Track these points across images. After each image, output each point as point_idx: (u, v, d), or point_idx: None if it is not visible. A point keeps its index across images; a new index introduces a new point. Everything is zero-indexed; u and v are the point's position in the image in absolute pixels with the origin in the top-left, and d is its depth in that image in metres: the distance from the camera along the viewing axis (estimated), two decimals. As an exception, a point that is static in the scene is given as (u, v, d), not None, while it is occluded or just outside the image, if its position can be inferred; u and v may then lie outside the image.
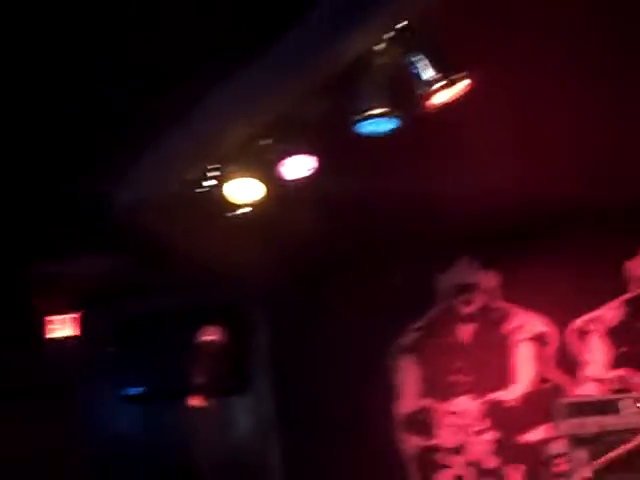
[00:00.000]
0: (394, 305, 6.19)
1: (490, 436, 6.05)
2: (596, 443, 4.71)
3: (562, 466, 5.28)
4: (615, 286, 5.90)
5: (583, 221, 5.61)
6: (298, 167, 4.06)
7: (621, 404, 4.80)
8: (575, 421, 4.80)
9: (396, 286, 6.12)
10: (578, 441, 4.76)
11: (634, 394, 5.10)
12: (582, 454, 4.72)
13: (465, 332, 6.22)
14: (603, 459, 4.57)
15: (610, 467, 4.61)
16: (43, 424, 6.18)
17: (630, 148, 4.84)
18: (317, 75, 3.61)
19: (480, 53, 3.40)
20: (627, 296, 5.90)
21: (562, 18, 3.34)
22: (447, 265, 6.28)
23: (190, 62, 3.65)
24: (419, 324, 6.32)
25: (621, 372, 5.84)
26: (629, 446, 4.49)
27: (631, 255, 5.89)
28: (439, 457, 6.17)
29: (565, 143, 4.73)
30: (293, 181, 4.09)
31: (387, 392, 6.32)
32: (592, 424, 4.75)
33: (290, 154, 4.01)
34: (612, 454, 4.54)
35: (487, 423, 6.07)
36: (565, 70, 3.80)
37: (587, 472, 4.65)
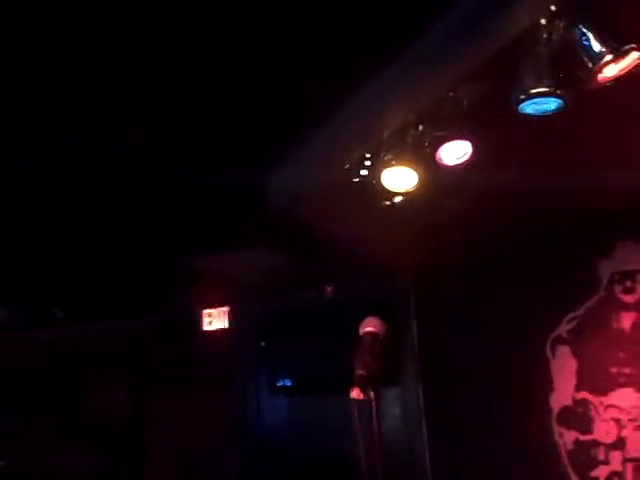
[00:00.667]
0: (552, 294, 6.00)
1: (651, 431, 5.80)
2: None
3: None
4: None
5: None
6: (454, 154, 3.98)
7: None
8: None
9: (554, 274, 5.92)
10: None
11: None
12: None
13: (626, 321, 5.97)
14: None
15: None
16: (202, 414, 6.31)
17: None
18: (477, 55, 3.52)
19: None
20: None
21: None
22: (608, 251, 6.04)
23: (348, 49, 3.62)
24: (577, 313, 6.10)
25: None
26: None
27: None
28: (596, 452, 5.95)
29: None
30: (450, 168, 4.01)
31: (542, 385, 6.13)
32: None
33: (447, 140, 3.93)
34: None
35: (647, 417, 5.82)
36: None
37: None
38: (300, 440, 6.52)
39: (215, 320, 6.57)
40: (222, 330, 6.61)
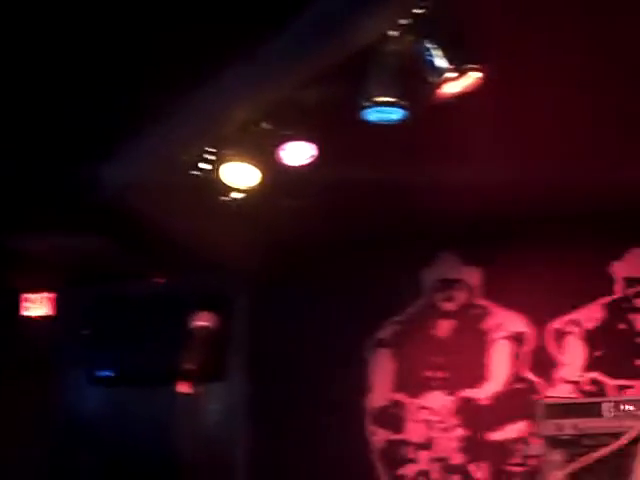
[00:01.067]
0: (376, 298, 6.15)
1: (458, 433, 6.04)
2: (572, 446, 4.71)
3: (535, 466, 5.27)
4: (597, 288, 5.93)
5: (569, 221, 5.61)
6: (297, 154, 4.01)
7: (602, 407, 4.80)
8: (553, 422, 4.78)
9: (379, 279, 6.07)
10: (555, 442, 4.75)
11: (615, 397, 5.11)
12: (557, 456, 4.72)
13: (444, 328, 6.21)
14: (578, 462, 4.57)
15: (584, 470, 4.61)
16: (12, 401, 6.06)
17: (624, 152, 4.86)
18: (325, 60, 3.56)
19: (493, 46, 3.37)
20: (608, 299, 5.93)
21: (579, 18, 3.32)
22: (431, 260, 6.25)
23: (192, 43, 3.57)
24: (398, 318, 6.28)
25: (595, 375, 5.87)
26: (606, 450, 4.49)
27: (617, 257, 5.92)
28: (406, 451, 6.15)
29: (557, 144, 4.73)
30: (291, 168, 4.03)
31: (360, 385, 6.27)
32: (570, 426, 4.74)
33: (290, 140, 3.95)
34: (587, 458, 4.55)
35: (457, 420, 6.06)
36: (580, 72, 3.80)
37: (560, 474, 4.64)
38: (119, 432, 6.37)
39: (35, 305, 6.33)
40: (43, 316, 6.38)
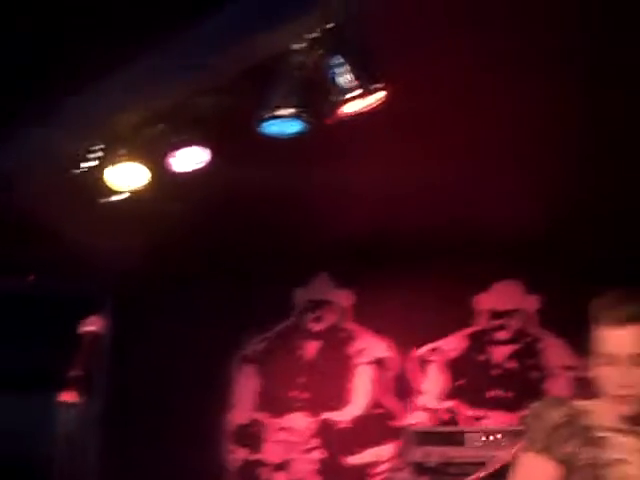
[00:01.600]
0: (246, 314, 6.12)
1: (316, 455, 6.06)
2: (439, 473, 4.81)
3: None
4: (461, 318, 6.11)
5: (440, 251, 5.74)
6: (189, 159, 3.95)
7: (468, 436, 4.92)
8: (421, 449, 4.88)
9: (250, 295, 6.04)
10: (422, 469, 4.84)
11: (482, 427, 5.25)
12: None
13: (310, 349, 6.23)
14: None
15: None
16: None
17: (496, 186, 5.02)
18: (228, 67, 3.54)
19: (401, 66, 3.43)
20: (470, 330, 6.12)
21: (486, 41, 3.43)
22: (304, 280, 6.28)
23: (94, 38, 3.49)
24: (266, 335, 6.27)
25: (452, 404, 6.02)
26: (471, 478, 4.60)
27: (482, 289, 6.11)
28: (262, 472, 6.13)
29: (434, 173, 4.84)
30: (181, 172, 3.97)
31: (223, 403, 6.21)
32: (437, 454, 4.84)
33: (184, 144, 3.89)
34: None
35: (316, 442, 6.08)
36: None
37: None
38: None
39: None
40: None
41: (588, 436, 2.76)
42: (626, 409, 2.71)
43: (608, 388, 2.74)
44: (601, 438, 2.76)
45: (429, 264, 5.85)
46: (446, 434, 5.04)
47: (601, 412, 2.79)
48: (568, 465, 2.75)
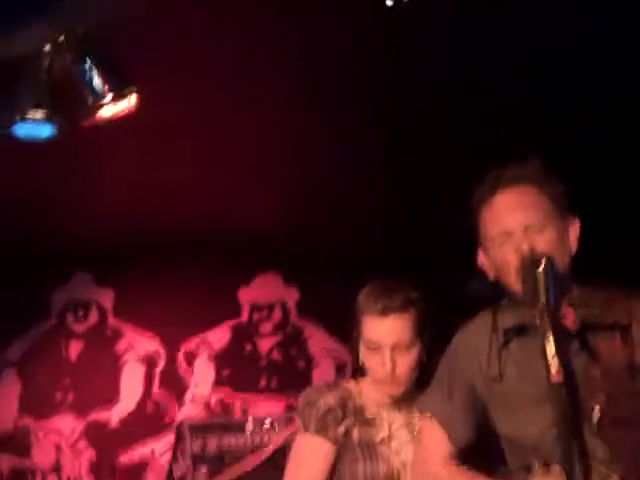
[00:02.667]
0: (5, 316, 5.89)
1: (87, 456, 5.98)
2: (216, 462, 4.89)
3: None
4: (226, 311, 6.22)
5: (203, 244, 5.78)
6: None
7: (241, 425, 5.03)
8: (198, 441, 4.94)
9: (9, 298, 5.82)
10: (200, 460, 4.91)
11: (255, 416, 5.37)
12: (203, 472, 4.88)
13: (74, 349, 6.12)
14: (220, 477, 4.76)
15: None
16: None
17: (245, 186, 5.18)
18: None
19: (151, 71, 3.45)
20: (235, 322, 6.24)
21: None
22: (64, 279, 6.14)
23: None
24: (26, 337, 6.08)
25: (222, 394, 6.13)
26: (247, 463, 4.73)
27: (246, 282, 6.24)
28: (33, 477, 5.97)
29: (201, 166, 4.92)
30: None
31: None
32: (213, 444, 4.93)
33: None
34: (230, 472, 4.75)
35: (86, 442, 6.00)
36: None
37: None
38: None
39: None
40: None
41: (360, 416, 2.96)
42: (391, 390, 2.93)
43: (374, 373, 2.94)
44: (372, 418, 2.97)
45: (191, 258, 5.91)
46: (219, 424, 5.12)
47: (371, 392, 2.99)
48: (342, 445, 2.92)
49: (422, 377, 2.92)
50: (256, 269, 6.24)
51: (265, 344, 6.26)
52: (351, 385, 3.06)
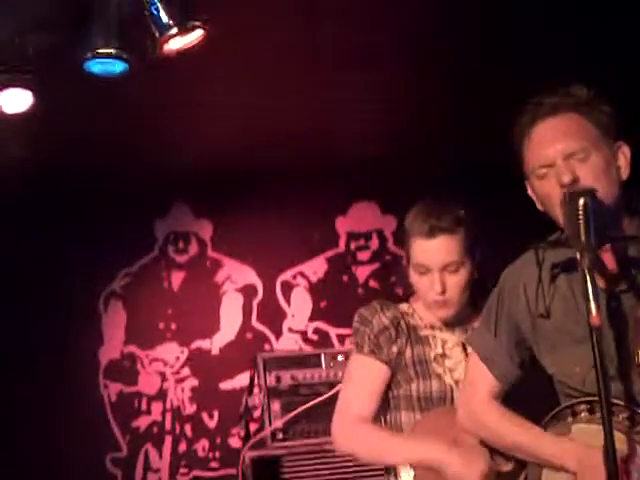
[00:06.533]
0: (109, 249, 6.05)
1: (190, 383, 6.14)
2: (290, 395, 4.95)
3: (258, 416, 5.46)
4: (322, 242, 6.22)
5: (297, 175, 5.80)
6: (13, 101, 3.85)
7: (318, 359, 5.06)
8: (273, 374, 4.99)
9: (111, 230, 5.98)
10: (274, 393, 4.97)
11: (331, 350, 5.40)
12: (276, 406, 4.94)
13: (176, 280, 6.24)
14: (295, 411, 4.82)
15: (300, 418, 4.86)
16: None
17: (343, 111, 5.09)
18: (48, 3, 3.44)
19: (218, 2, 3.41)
20: (330, 253, 6.23)
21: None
22: (164, 212, 6.24)
23: None
24: (130, 270, 6.24)
25: (319, 325, 6.16)
26: (320, 399, 4.77)
27: (342, 212, 6.22)
28: (139, 403, 6.17)
29: (286, 95, 4.87)
30: (6, 115, 3.87)
31: (93, 340, 6.18)
32: (288, 377, 4.97)
33: (5, 87, 3.78)
34: (304, 406, 4.81)
35: (188, 370, 6.16)
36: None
37: (279, 423, 4.88)
38: None
39: None
40: None
41: (413, 335, 2.93)
42: (443, 313, 2.88)
43: (425, 297, 2.89)
44: (425, 336, 2.93)
45: (286, 189, 5.93)
46: (297, 357, 5.17)
47: (424, 312, 2.96)
48: (395, 364, 2.91)
49: (475, 297, 2.86)
50: (351, 198, 6.20)
51: (362, 273, 6.25)
52: (404, 306, 3.03)
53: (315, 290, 6.25)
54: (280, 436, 4.89)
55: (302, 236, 6.15)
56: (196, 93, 4.64)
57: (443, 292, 2.84)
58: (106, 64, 3.47)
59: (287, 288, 6.24)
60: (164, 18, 3.29)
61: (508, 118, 2.35)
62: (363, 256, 6.29)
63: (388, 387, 2.95)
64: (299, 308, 6.23)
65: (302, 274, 6.25)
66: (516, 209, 3.02)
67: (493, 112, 3.82)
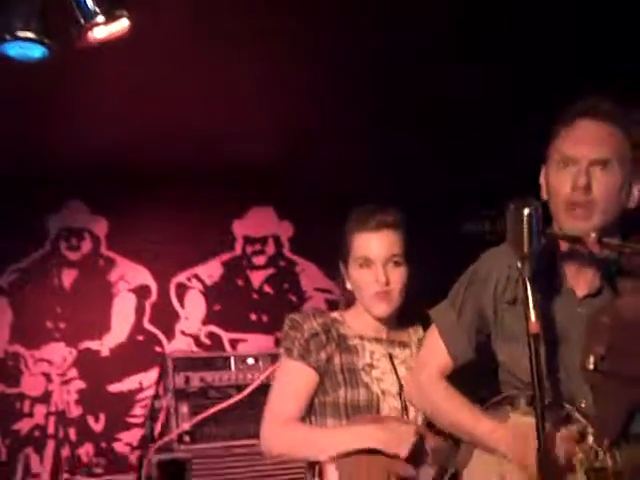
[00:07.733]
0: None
1: (76, 385, 6.00)
2: (199, 398, 4.90)
3: (164, 419, 5.39)
4: (219, 245, 6.21)
5: (196, 176, 5.77)
6: None
7: (227, 361, 5.04)
8: (181, 375, 4.94)
9: (2, 223, 5.78)
10: (182, 395, 4.91)
11: (242, 352, 5.40)
12: (184, 408, 4.88)
13: (67, 278, 6.09)
14: (203, 414, 4.79)
15: (208, 421, 4.83)
16: None
17: (246, 112, 5.11)
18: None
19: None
20: (226, 256, 6.23)
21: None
22: (58, 207, 6.09)
23: None
24: (19, 266, 6.04)
25: (213, 329, 6.14)
26: (229, 401, 4.76)
27: (239, 216, 6.22)
28: (22, 405, 5.98)
29: (194, 96, 4.85)
30: None
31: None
32: (197, 379, 4.93)
33: None
34: (212, 409, 4.78)
35: (75, 372, 6.01)
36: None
37: (187, 426, 4.82)
38: None
39: None
40: None
41: (342, 343, 2.98)
42: (383, 307, 2.94)
43: (365, 289, 2.95)
44: (354, 346, 2.98)
45: (184, 190, 5.89)
46: (205, 359, 5.13)
47: (354, 322, 3.01)
48: (323, 370, 2.94)
49: (402, 313, 2.97)
50: (248, 203, 6.21)
51: (257, 278, 6.27)
52: (335, 314, 3.09)
53: (210, 293, 6.22)
54: (187, 439, 4.82)
55: (198, 238, 6.12)
56: (89, 87, 4.56)
57: (387, 283, 2.91)
58: (25, 48, 3.38)
59: (181, 290, 6.19)
60: (90, 4, 3.23)
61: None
62: (259, 260, 6.32)
63: (315, 393, 2.98)
64: (193, 311, 6.19)
65: (197, 277, 6.21)
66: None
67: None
